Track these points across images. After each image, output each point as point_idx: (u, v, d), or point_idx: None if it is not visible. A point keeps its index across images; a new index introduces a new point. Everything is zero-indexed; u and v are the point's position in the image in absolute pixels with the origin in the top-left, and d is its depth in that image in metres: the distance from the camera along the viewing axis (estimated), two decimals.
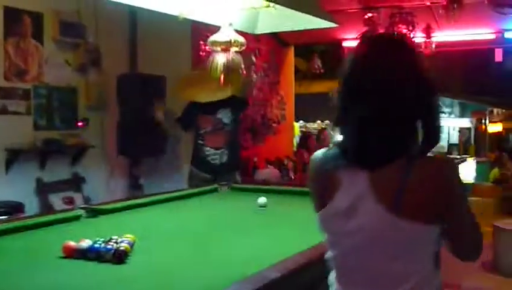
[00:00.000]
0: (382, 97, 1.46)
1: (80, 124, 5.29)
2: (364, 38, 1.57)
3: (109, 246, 2.18)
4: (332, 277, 1.62)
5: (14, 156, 4.76)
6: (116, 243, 2.22)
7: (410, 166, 1.43)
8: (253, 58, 8.48)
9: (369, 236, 1.47)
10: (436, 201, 1.44)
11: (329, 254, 1.60)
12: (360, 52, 1.54)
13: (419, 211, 1.43)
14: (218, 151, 5.12)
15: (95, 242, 2.21)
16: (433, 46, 8.09)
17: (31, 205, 4.75)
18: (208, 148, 5.15)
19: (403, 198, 1.42)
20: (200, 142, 5.19)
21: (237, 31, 3.73)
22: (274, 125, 9.27)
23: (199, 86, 5.05)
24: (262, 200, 3.50)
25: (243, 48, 3.80)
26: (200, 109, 5.10)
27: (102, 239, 2.23)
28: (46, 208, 4.79)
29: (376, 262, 1.49)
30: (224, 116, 5.10)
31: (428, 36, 8.04)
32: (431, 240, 1.48)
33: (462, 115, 18.48)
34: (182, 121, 5.38)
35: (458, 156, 12.32)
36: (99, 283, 1.94)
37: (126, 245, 2.21)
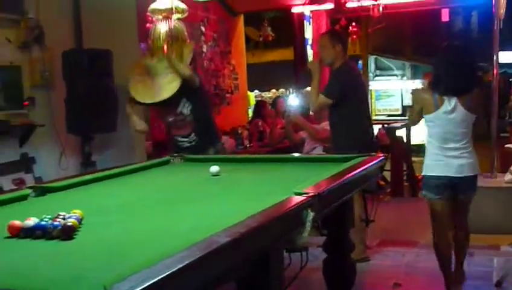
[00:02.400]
0: (465, 69, 3.87)
1: (25, 103, 5.14)
2: (452, 45, 4.11)
3: (56, 223, 2.13)
4: (431, 141, 3.94)
5: None
6: (64, 219, 2.16)
7: (471, 93, 3.82)
8: (203, 28, 8.40)
9: (459, 120, 3.82)
10: (478, 105, 3.92)
11: (431, 131, 3.93)
12: (453, 53, 3.96)
13: (475, 109, 3.85)
14: (186, 138, 4.86)
15: (41, 219, 2.15)
16: (381, 8, 8.13)
17: None
18: (175, 135, 4.92)
19: (471, 105, 3.81)
20: (168, 127, 5.01)
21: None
22: (227, 95, 9.23)
23: (146, 82, 4.69)
24: (214, 168, 3.47)
25: (186, 14, 3.71)
26: (158, 103, 4.72)
27: (50, 216, 2.18)
28: None
29: (459, 130, 3.84)
30: (183, 108, 4.76)
31: None
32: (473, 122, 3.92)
33: (414, 77, 18.67)
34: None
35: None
36: (47, 259, 1.88)
37: (74, 220, 2.16)
